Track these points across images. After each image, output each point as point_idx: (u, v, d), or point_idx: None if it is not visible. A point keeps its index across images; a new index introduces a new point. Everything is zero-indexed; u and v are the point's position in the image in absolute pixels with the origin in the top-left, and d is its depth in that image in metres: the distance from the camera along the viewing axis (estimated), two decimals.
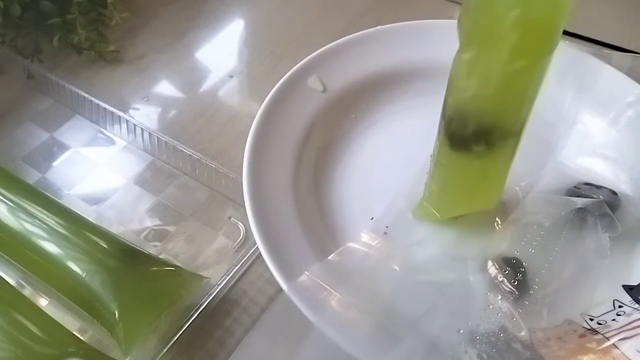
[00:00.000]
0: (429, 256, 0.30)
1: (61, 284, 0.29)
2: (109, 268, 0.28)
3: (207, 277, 0.31)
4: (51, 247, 0.29)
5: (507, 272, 0.29)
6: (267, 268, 0.28)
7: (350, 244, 0.30)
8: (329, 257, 0.29)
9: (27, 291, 0.31)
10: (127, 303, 0.27)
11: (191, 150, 0.36)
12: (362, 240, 0.31)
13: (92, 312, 0.28)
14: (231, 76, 0.45)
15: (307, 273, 0.28)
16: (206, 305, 0.30)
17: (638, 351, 0.26)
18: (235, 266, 0.32)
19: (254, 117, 0.34)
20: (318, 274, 0.28)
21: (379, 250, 0.30)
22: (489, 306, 0.28)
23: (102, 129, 0.40)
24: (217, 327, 0.30)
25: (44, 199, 0.31)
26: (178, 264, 0.32)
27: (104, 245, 0.29)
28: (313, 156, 0.35)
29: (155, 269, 0.29)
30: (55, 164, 0.38)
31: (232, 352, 0.29)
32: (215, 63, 0.46)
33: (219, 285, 0.31)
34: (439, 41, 0.39)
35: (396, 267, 0.30)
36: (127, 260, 0.29)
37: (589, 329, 0.27)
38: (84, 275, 0.28)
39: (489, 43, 0.23)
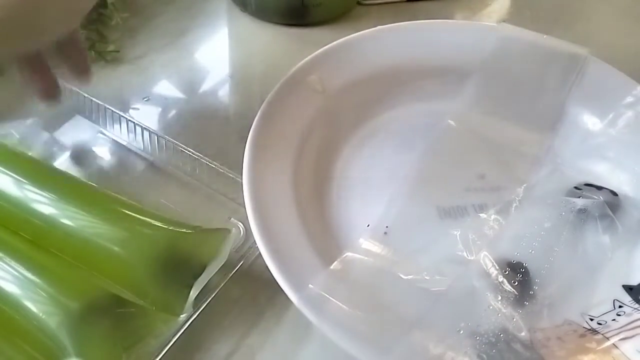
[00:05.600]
0: (430, 259, 0.30)
1: (16, 327, 0.28)
2: (68, 310, 0.27)
3: (176, 316, 0.30)
4: (10, 287, 0.28)
5: (507, 272, 0.29)
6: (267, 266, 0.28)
7: (351, 253, 0.30)
8: (332, 267, 0.29)
9: None
10: (86, 346, 0.27)
11: (191, 150, 0.36)
12: (362, 246, 0.31)
13: (49, 355, 0.27)
14: (231, 76, 0.45)
15: (312, 286, 0.28)
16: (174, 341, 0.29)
17: (638, 351, 0.26)
18: (235, 266, 0.32)
19: (254, 117, 0.34)
20: (322, 285, 0.28)
21: (380, 256, 0.30)
22: (489, 307, 0.28)
23: (102, 129, 0.40)
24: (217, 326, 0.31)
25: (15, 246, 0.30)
26: (146, 305, 0.30)
27: (69, 287, 0.28)
28: (313, 156, 0.35)
29: (120, 310, 0.29)
30: (55, 163, 0.38)
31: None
32: (215, 63, 0.46)
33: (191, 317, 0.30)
34: (438, 41, 0.39)
35: (398, 271, 0.30)
36: (90, 302, 0.28)
37: (589, 329, 0.27)
38: (42, 316, 0.27)
39: None
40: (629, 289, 0.29)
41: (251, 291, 0.32)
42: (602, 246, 0.30)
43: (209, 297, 0.30)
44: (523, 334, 0.27)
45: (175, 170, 0.38)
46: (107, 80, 0.43)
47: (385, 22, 0.40)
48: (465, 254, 0.30)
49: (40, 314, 0.27)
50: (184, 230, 0.30)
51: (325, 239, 0.32)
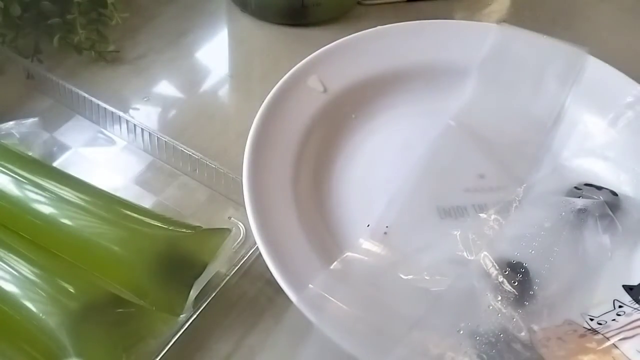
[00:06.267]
0: (430, 259, 0.30)
1: (16, 327, 0.28)
2: (68, 310, 0.27)
3: (176, 316, 0.29)
4: (9, 287, 0.28)
5: (507, 272, 0.29)
6: (267, 267, 0.28)
7: (351, 253, 0.30)
8: (332, 267, 0.29)
9: None
10: (86, 345, 0.27)
11: (191, 150, 0.36)
12: (362, 246, 0.31)
13: (49, 355, 0.27)
14: (231, 76, 0.45)
15: (312, 286, 0.28)
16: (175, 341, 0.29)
17: (638, 351, 0.26)
18: (235, 266, 0.32)
19: (254, 117, 0.34)
20: (322, 285, 0.28)
21: (380, 256, 0.30)
22: (489, 307, 0.28)
23: (102, 129, 0.40)
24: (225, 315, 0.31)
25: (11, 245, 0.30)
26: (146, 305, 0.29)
27: (69, 287, 0.28)
28: (313, 156, 0.35)
29: (120, 310, 0.29)
30: (55, 164, 0.38)
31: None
32: (215, 63, 0.46)
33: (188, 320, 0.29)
34: (439, 41, 0.39)
35: (398, 271, 0.30)
36: (90, 302, 0.28)
37: (589, 329, 0.27)
38: (41, 316, 0.27)
39: None
40: (629, 289, 0.29)
41: (251, 291, 0.32)
42: (602, 246, 0.30)
43: (209, 297, 0.30)
44: (523, 334, 0.27)
45: (175, 170, 0.38)
46: (107, 80, 0.43)
47: (385, 22, 0.40)
48: (465, 254, 0.30)
49: (40, 314, 0.27)
50: (184, 230, 0.30)
51: (325, 239, 0.32)
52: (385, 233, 0.31)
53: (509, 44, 0.38)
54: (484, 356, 0.26)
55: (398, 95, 0.38)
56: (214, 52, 0.47)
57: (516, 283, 0.28)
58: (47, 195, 0.30)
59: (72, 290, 0.28)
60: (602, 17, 0.49)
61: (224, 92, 0.44)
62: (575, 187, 0.32)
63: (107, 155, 0.39)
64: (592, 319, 0.28)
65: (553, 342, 0.27)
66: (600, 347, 0.26)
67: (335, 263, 0.29)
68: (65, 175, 0.33)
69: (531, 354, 0.26)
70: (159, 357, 0.28)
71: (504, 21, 0.42)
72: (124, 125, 0.38)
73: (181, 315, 0.29)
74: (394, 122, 0.38)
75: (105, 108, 0.39)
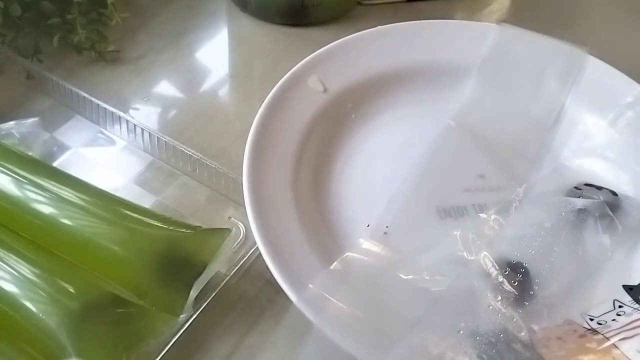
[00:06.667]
0: (430, 259, 0.30)
1: (16, 327, 0.28)
2: (68, 310, 0.27)
3: (176, 316, 0.29)
4: (9, 287, 0.28)
5: (507, 272, 0.29)
6: (267, 267, 0.28)
7: (351, 253, 0.30)
8: (332, 267, 0.29)
9: None
10: (86, 346, 0.27)
11: (191, 150, 0.36)
12: (362, 246, 0.31)
13: (49, 355, 0.27)
14: (231, 76, 0.45)
15: (312, 286, 0.28)
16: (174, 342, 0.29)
17: (638, 351, 0.26)
18: (235, 266, 0.32)
19: (254, 117, 0.34)
20: (322, 285, 0.28)
21: (380, 256, 0.30)
22: (489, 307, 0.28)
23: (102, 129, 0.40)
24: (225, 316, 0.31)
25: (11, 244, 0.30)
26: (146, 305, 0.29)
27: (69, 287, 0.28)
28: (313, 156, 0.35)
29: (120, 310, 0.29)
30: (55, 164, 0.38)
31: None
32: (215, 63, 0.46)
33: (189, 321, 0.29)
34: (439, 41, 0.39)
35: (398, 271, 0.30)
36: (90, 302, 0.28)
37: (589, 329, 0.27)
38: (41, 316, 0.27)
39: None
40: (629, 289, 0.29)
41: (251, 291, 0.32)
42: (602, 246, 0.30)
43: (209, 297, 0.30)
44: (523, 334, 0.27)
45: (175, 170, 0.38)
46: (107, 80, 0.43)
47: (385, 22, 0.40)
48: (465, 254, 0.30)
49: (40, 314, 0.27)
50: (184, 230, 0.30)
51: (325, 239, 0.32)
52: (385, 233, 0.31)
53: (509, 44, 0.38)
54: (484, 356, 0.26)
55: (398, 95, 0.38)
56: (214, 52, 0.47)
57: (516, 283, 0.28)
58: (47, 195, 0.30)
59: (72, 290, 0.28)
60: (602, 17, 0.49)
61: (224, 92, 0.44)
62: (575, 187, 0.32)
63: (107, 155, 0.39)
64: (592, 319, 0.28)
65: (553, 342, 0.27)
66: (600, 347, 0.26)
67: (335, 263, 0.29)
68: (65, 175, 0.33)
69: (531, 354, 0.26)
70: (159, 357, 0.28)
71: (504, 21, 0.42)
72: (124, 125, 0.38)
73: (181, 315, 0.29)
74: (394, 122, 0.38)
75: (105, 108, 0.39)
